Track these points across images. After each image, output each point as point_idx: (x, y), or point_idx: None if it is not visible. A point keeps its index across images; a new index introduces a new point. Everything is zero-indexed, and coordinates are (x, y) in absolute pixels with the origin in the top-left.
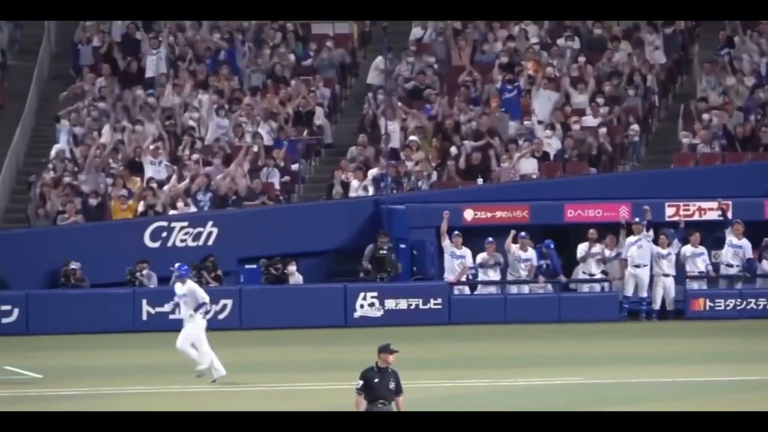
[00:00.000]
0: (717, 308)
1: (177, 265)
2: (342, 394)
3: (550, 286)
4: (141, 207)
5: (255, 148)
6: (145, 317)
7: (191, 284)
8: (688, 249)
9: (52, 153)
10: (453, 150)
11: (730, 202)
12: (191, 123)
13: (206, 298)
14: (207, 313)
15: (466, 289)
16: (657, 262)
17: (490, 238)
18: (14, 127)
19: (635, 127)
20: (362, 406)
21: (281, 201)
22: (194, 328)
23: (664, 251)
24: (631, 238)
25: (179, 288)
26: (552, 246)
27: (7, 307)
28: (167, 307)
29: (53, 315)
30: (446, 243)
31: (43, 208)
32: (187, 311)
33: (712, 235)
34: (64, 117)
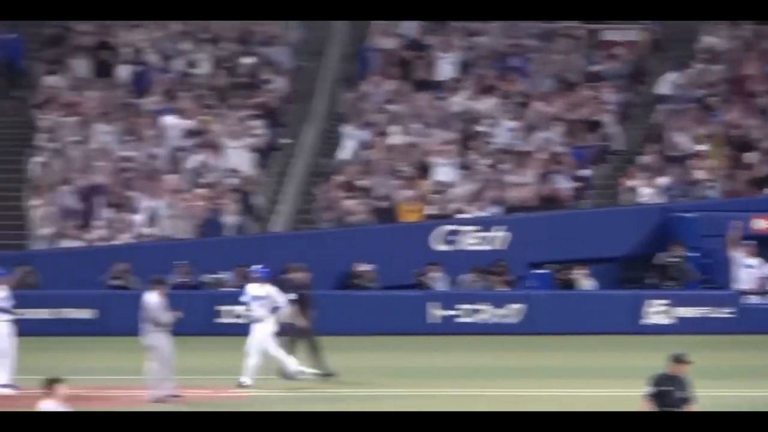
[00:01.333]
0: None
1: (256, 267)
2: (628, 402)
3: None
4: (429, 210)
5: (543, 154)
6: (432, 320)
7: (270, 288)
8: None
9: (341, 155)
10: (744, 158)
11: None
12: (481, 127)
13: (284, 303)
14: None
15: (756, 299)
16: None
17: None
18: (304, 129)
19: None
20: None
21: (570, 207)
22: (264, 332)
23: None
24: None
25: (256, 290)
26: None
27: None
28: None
29: (341, 316)
30: (736, 252)
31: (332, 210)
32: (261, 313)
33: None
34: (352, 120)
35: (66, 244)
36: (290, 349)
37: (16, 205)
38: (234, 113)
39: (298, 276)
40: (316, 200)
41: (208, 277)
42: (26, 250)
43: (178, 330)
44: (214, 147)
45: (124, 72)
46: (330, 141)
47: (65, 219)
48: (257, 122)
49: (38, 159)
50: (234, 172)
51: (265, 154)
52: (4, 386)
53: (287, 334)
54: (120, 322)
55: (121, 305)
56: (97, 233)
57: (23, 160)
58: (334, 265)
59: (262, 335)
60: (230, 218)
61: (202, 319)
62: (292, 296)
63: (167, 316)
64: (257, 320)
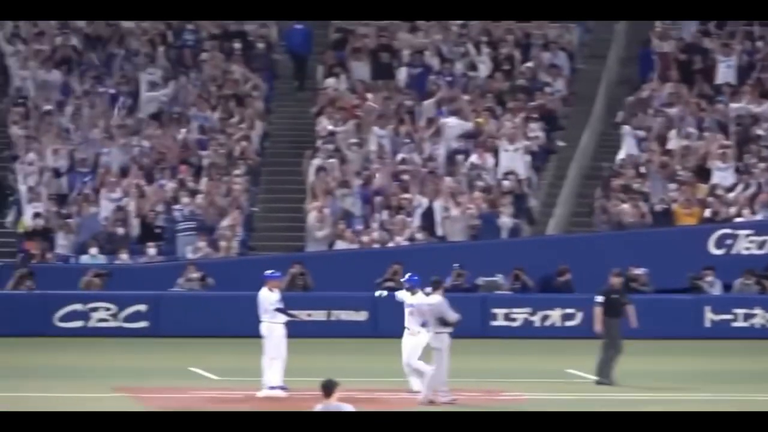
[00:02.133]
0: None
1: (408, 275)
2: None
3: None
4: (706, 213)
5: None
6: (708, 324)
7: (421, 296)
8: None
9: (618, 157)
10: None
11: None
12: (760, 131)
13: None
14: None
15: None
16: None
17: None
18: (582, 131)
19: None
20: None
21: None
22: (417, 342)
23: None
24: None
25: (407, 297)
26: None
27: (571, 311)
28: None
29: None
30: None
31: (607, 213)
32: (411, 322)
33: None
34: (630, 123)
35: (341, 246)
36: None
37: (293, 207)
38: (512, 116)
39: (614, 281)
40: (591, 203)
41: (482, 280)
42: (301, 252)
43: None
44: (490, 149)
45: (403, 74)
46: (607, 144)
47: (341, 222)
48: (535, 125)
49: (316, 162)
50: (510, 174)
51: (541, 156)
52: (276, 388)
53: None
54: (390, 324)
55: (392, 307)
56: (372, 236)
57: (302, 162)
58: (608, 268)
59: (414, 343)
60: (505, 221)
61: (476, 322)
62: (600, 299)
63: (455, 316)
64: (406, 328)
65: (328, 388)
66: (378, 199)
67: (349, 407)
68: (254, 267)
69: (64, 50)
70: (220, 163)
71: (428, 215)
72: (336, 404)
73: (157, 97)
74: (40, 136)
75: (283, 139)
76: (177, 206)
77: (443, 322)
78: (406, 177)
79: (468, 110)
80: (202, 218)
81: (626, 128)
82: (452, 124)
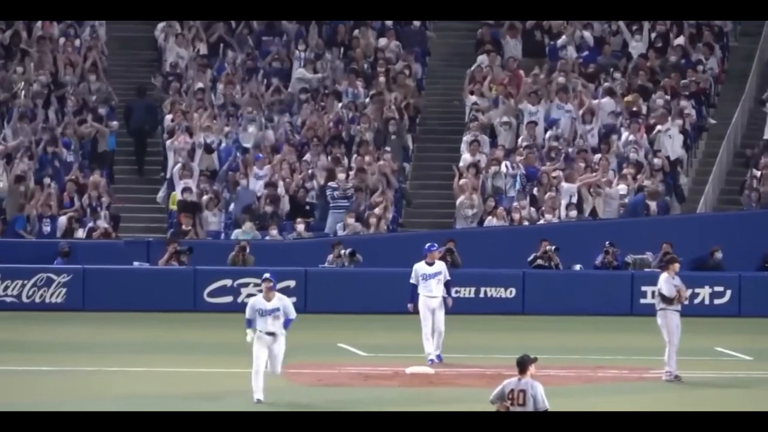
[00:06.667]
0: None
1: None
2: None
3: None
4: None
5: None
6: None
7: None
8: None
9: (765, 136)
10: None
11: None
12: None
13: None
14: None
15: None
16: None
17: None
18: (734, 108)
19: None
20: None
21: None
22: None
23: None
24: None
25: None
26: None
27: (720, 288)
28: None
29: (762, 298)
30: None
31: (757, 191)
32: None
33: None
34: None
35: (491, 223)
36: None
37: (444, 184)
38: (663, 94)
39: None
40: (741, 181)
41: (631, 258)
42: (450, 229)
43: (600, 310)
44: (642, 127)
45: (555, 52)
46: (758, 122)
47: (491, 199)
48: (687, 103)
49: (467, 138)
50: (661, 152)
51: (692, 134)
52: (432, 359)
53: None
54: (539, 301)
55: (541, 285)
56: (522, 213)
57: (452, 139)
58: (758, 246)
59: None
60: (656, 198)
61: (625, 300)
62: None
63: (674, 294)
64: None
65: (522, 365)
66: (528, 176)
67: (539, 386)
68: (403, 244)
69: (217, 27)
70: (371, 140)
71: (579, 192)
72: (527, 380)
73: (308, 75)
74: (192, 113)
75: (434, 116)
76: (329, 183)
77: (664, 298)
78: (557, 155)
79: (621, 88)
80: (352, 195)
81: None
82: (604, 102)
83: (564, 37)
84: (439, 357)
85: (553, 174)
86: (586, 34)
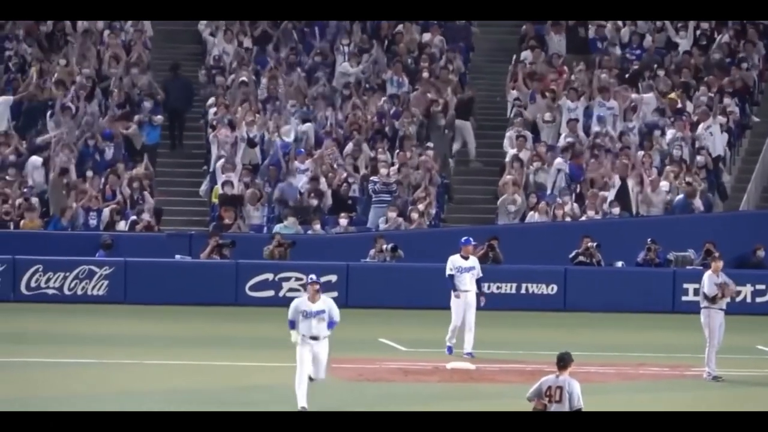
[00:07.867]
0: None
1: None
2: None
3: None
4: None
5: None
6: None
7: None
8: None
9: None
10: None
11: None
12: None
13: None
14: None
15: None
16: None
17: None
18: None
19: None
20: None
21: None
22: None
23: None
24: None
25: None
26: None
27: (762, 287)
28: None
29: None
30: None
31: None
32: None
33: None
34: None
35: (533, 219)
36: None
37: (486, 180)
38: (707, 92)
39: None
40: None
41: (673, 255)
42: (493, 224)
43: (642, 307)
44: (686, 125)
45: (599, 49)
46: None
47: (533, 195)
48: (730, 100)
49: (509, 134)
50: (704, 149)
51: (736, 132)
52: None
53: None
54: (580, 297)
55: (582, 281)
56: (564, 209)
57: (495, 135)
58: None
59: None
60: (699, 196)
61: (667, 297)
62: None
63: (714, 293)
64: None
65: (563, 361)
66: (571, 172)
67: (576, 384)
68: (445, 239)
69: (262, 22)
70: (414, 134)
71: (622, 190)
72: (565, 378)
73: (351, 69)
74: (236, 106)
75: (477, 112)
76: (371, 177)
77: (706, 297)
78: (600, 152)
79: (664, 86)
80: (395, 189)
81: None
82: (647, 99)
83: (608, 33)
84: (470, 354)
85: (597, 170)
86: (630, 30)
